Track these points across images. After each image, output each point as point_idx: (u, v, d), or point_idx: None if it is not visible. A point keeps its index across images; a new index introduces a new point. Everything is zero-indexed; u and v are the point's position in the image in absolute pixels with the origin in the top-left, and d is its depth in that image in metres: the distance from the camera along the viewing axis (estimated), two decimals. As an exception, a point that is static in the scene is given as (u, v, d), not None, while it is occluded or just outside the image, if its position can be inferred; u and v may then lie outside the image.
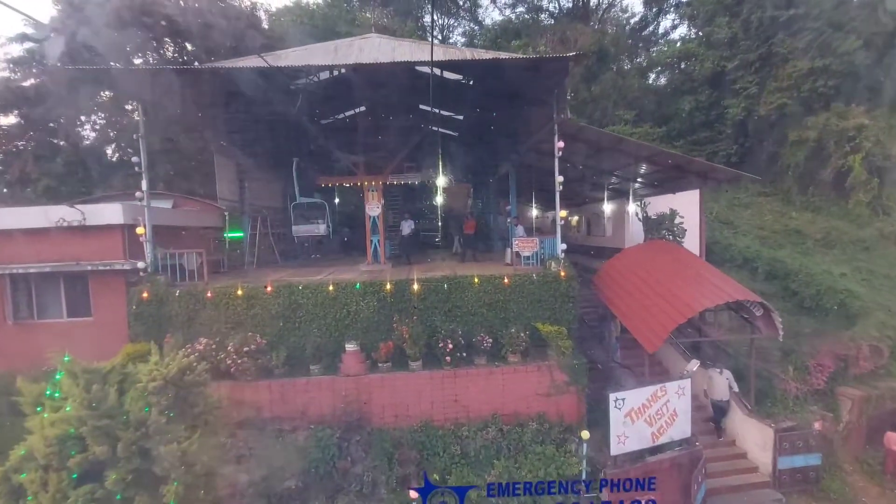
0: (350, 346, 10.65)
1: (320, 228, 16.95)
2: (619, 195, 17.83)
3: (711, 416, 10.89)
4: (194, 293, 11.07)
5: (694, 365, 10.22)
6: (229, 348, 10.37)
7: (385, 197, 20.23)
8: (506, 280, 11.15)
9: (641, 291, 10.86)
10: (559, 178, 11.49)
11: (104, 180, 19.46)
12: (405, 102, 15.29)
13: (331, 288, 10.95)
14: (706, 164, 11.64)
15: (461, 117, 20.78)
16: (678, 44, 32.16)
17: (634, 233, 17.06)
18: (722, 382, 10.24)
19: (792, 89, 26.00)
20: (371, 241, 15.13)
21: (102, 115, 20.82)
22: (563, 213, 11.68)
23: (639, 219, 16.89)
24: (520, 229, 14.04)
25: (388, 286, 10.99)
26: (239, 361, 10.29)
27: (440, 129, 20.18)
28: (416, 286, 11.02)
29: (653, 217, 16.97)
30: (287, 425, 10.31)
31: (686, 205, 17.23)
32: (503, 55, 11.81)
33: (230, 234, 17.49)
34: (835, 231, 23.49)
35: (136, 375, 6.85)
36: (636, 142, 12.94)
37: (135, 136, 13.06)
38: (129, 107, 22.05)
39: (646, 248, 12.99)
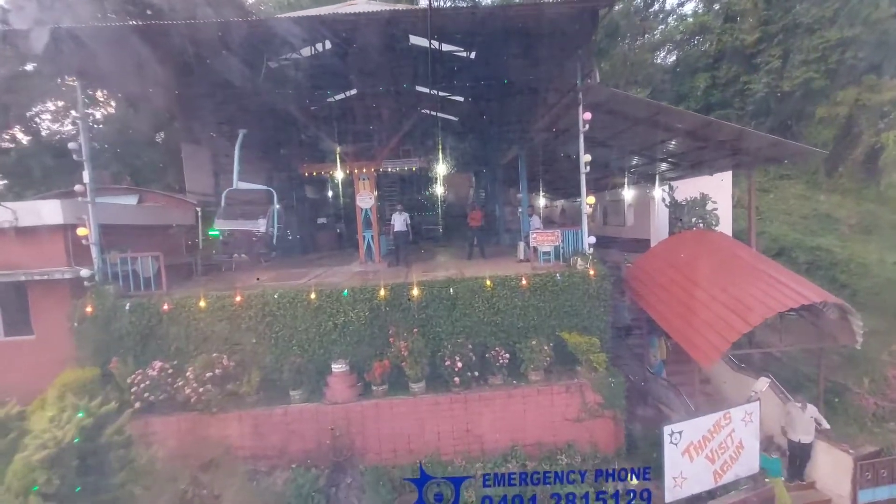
0: (337, 367, 8.76)
1: (258, 225, 12.37)
2: (642, 179, 15.87)
3: (786, 455, 8.82)
4: (148, 306, 9.15)
5: (763, 384, 8.34)
6: (189, 374, 8.47)
7: (379, 187, 18.42)
8: (524, 281, 9.24)
9: (689, 292, 8.95)
10: (586, 158, 9.53)
11: (68, 177, 17.51)
12: (399, 79, 13.29)
13: (312, 296, 9.03)
14: (770, 137, 9.74)
15: (462, 99, 18.86)
16: (690, 18, 30.02)
17: (661, 222, 15.12)
18: (805, 420, 8.10)
19: (819, 62, 23.99)
20: (363, 236, 13.20)
21: (63, 103, 18.70)
22: (591, 200, 9.69)
23: (665, 205, 14.97)
24: (535, 220, 12.14)
25: (382, 292, 9.08)
26: (201, 390, 8.41)
27: (439, 112, 18.24)
28: (415, 291, 9.10)
29: (682, 203, 15.06)
30: (262, 465, 8.47)
31: (713, 189, 15.34)
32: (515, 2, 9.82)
33: (213, 233, 15.58)
34: (870, 215, 21.66)
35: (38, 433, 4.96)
36: (681, 111, 10.94)
37: (72, 114, 11.05)
38: (99, 95, 20.07)
39: (685, 239, 11.05)
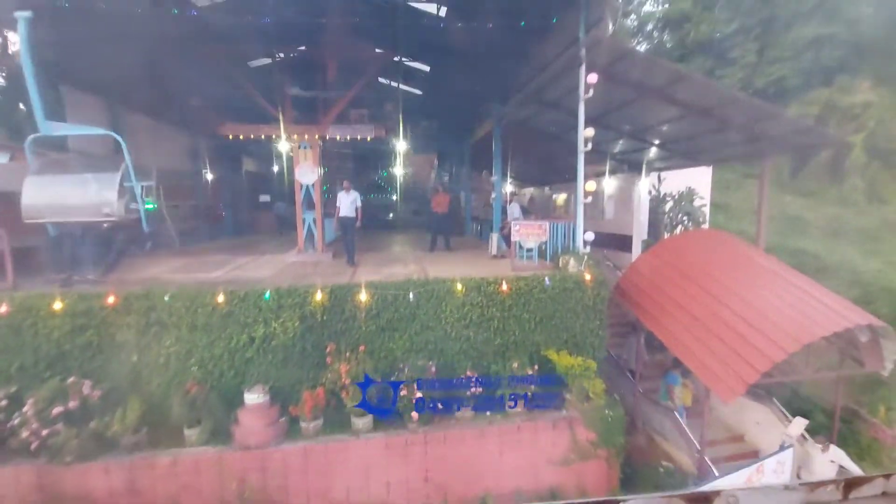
0: (253, 397, 6.42)
1: (104, 206, 7.50)
2: (625, 166, 14.22)
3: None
4: (-26, 307, 6.38)
5: (799, 426, 6.80)
6: (26, 409, 5.87)
7: (325, 161, 15.81)
8: (504, 286, 7.22)
9: (707, 309, 7.24)
10: (587, 133, 7.56)
11: None
12: (350, 31, 10.76)
13: (220, 298, 6.58)
14: (803, 123, 8.18)
15: (426, 66, 16.48)
16: (667, 4, 28.89)
17: (643, 217, 13.59)
18: (825, 465, 6.54)
19: (793, 59, 23.51)
20: (303, 220, 10.73)
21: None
22: (591, 187, 7.77)
23: (652, 198, 13.46)
24: (514, 208, 10.15)
25: (319, 295, 6.77)
26: (45, 431, 5.83)
27: (399, 78, 15.78)
28: (363, 294, 6.86)
29: (666, 197, 13.59)
30: (138, 537, 6.06)
31: (690, 183, 14.06)
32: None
33: (165, 207, 12.52)
34: (835, 219, 21.46)
35: None
36: (707, 83, 9.18)
37: None
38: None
39: (690, 241, 9.41)
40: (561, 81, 8.64)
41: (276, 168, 23.26)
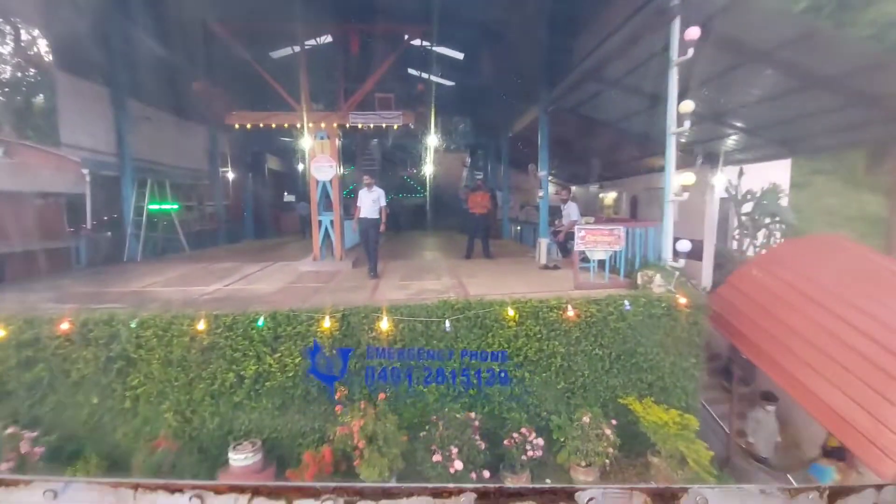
0: (239, 457, 4.87)
1: None
2: (694, 159, 12.11)
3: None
4: None
5: None
6: (-55, 471, 4.49)
7: (347, 155, 14.36)
8: (570, 311, 5.42)
9: (842, 342, 5.25)
10: (683, 107, 5.69)
11: None
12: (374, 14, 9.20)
13: (201, 326, 5.06)
14: None
15: (460, 54, 14.82)
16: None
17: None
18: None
19: (874, 40, 20.63)
20: (319, 222, 9.23)
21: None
22: (689, 180, 5.87)
23: (729, 197, 11.34)
24: (572, 209, 8.32)
25: (328, 322, 5.15)
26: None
27: (431, 60, 14.21)
28: (385, 323, 5.21)
29: (749, 195, 11.39)
30: None
31: (763, 180, 11.86)
32: None
33: (154, 207, 11.53)
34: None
35: None
36: (846, 39, 7.10)
37: None
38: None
39: (809, 250, 7.19)
40: (628, 52, 6.80)
41: (301, 166, 22.12)
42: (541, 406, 5.48)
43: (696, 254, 11.65)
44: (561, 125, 11.84)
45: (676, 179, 6.12)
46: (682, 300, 5.62)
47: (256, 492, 0.94)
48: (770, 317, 6.09)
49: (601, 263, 6.66)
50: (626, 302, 5.52)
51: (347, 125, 9.04)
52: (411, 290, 6.69)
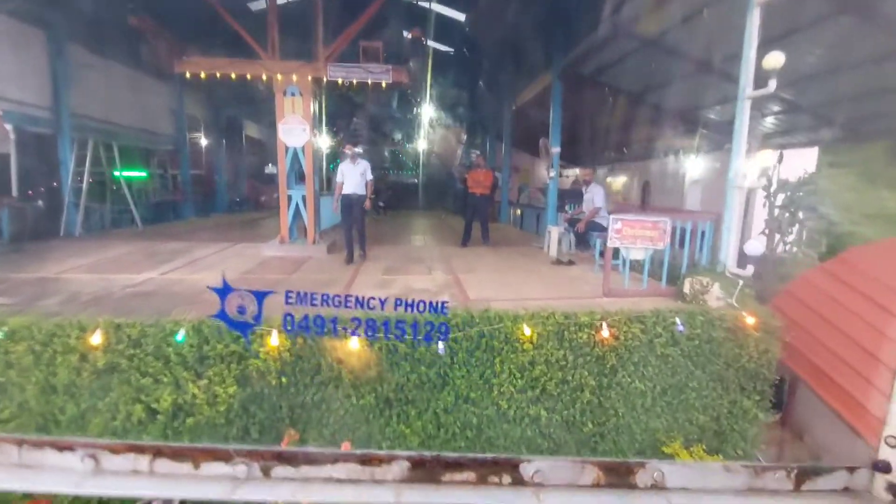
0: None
1: None
2: (711, 143, 10.74)
3: None
4: None
5: None
6: None
7: (327, 118, 12.73)
8: (606, 330, 4.05)
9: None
10: (768, 61, 4.23)
11: None
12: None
13: (96, 339, 3.58)
14: None
15: (461, 14, 13.16)
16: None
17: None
18: None
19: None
20: (289, 197, 7.73)
21: None
22: (766, 160, 4.47)
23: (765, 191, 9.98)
24: (598, 192, 6.82)
25: (275, 339, 3.71)
26: None
27: (429, 20, 12.54)
28: (353, 343, 3.78)
29: (788, 187, 10.04)
30: None
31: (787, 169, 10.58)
32: None
33: (122, 174, 9.95)
34: (954, 219, 17.43)
35: None
36: None
37: None
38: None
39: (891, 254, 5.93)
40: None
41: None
42: (559, 453, 4.15)
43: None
44: (571, 97, 10.32)
45: (742, 161, 4.68)
46: (750, 320, 4.27)
47: (159, 452, 1.00)
48: (842, 338, 4.77)
49: (635, 264, 5.28)
50: (679, 321, 4.16)
51: (325, 79, 7.43)
52: (395, 289, 5.27)
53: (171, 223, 12.03)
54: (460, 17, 14.26)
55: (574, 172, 20.46)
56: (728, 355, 4.27)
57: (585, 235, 7.16)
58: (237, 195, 18.10)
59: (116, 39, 9.18)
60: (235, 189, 18.29)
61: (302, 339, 3.76)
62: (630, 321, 4.14)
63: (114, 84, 10.48)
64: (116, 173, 10.11)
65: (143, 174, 12.49)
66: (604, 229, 7.00)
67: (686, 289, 4.84)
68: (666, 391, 4.27)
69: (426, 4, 13.54)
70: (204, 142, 16.08)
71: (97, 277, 5.58)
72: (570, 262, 7.01)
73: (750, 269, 4.57)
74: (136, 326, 3.67)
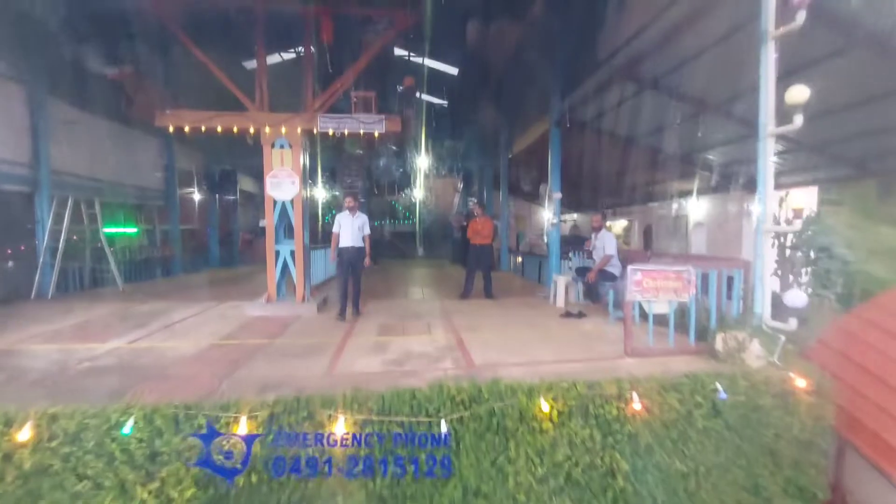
0: None
1: None
2: (727, 183, 10.50)
3: None
4: None
5: None
6: None
7: (318, 171, 12.50)
8: (637, 402, 3.44)
9: None
10: (791, 97, 3.89)
11: None
12: None
13: (24, 434, 2.95)
14: None
15: (454, 68, 13.27)
16: None
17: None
18: None
19: None
20: (277, 253, 7.26)
21: None
22: (799, 203, 4.01)
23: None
24: (609, 240, 6.37)
25: (243, 426, 3.08)
26: None
27: (422, 73, 12.59)
28: (340, 425, 3.16)
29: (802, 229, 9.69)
30: None
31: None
32: None
33: (105, 231, 9.56)
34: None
35: None
36: None
37: None
38: None
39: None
40: (675, 40, 5.10)
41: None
42: (589, 558, 3.42)
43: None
44: (568, 142, 10.15)
45: (770, 203, 4.26)
46: (801, 382, 3.69)
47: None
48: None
49: (657, 318, 4.73)
50: (720, 388, 3.56)
51: (315, 131, 7.15)
52: (391, 354, 4.67)
53: (157, 281, 11.48)
54: (453, 71, 14.45)
55: (572, 217, 20.29)
56: (778, 425, 3.65)
57: (595, 285, 6.65)
58: (230, 249, 17.66)
59: (101, 93, 9.00)
60: (229, 243, 17.87)
61: (273, 424, 3.14)
62: (664, 389, 3.54)
63: (98, 139, 10.23)
64: (99, 230, 9.65)
65: (131, 230, 12.09)
66: (615, 278, 6.52)
67: (719, 346, 4.27)
68: (710, 471, 3.60)
69: (419, 60, 13.72)
70: (196, 196, 15.85)
71: (55, 349, 4.96)
72: (581, 315, 6.46)
73: (793, 323, 4.02)
74: (75, 417, 3.04)
